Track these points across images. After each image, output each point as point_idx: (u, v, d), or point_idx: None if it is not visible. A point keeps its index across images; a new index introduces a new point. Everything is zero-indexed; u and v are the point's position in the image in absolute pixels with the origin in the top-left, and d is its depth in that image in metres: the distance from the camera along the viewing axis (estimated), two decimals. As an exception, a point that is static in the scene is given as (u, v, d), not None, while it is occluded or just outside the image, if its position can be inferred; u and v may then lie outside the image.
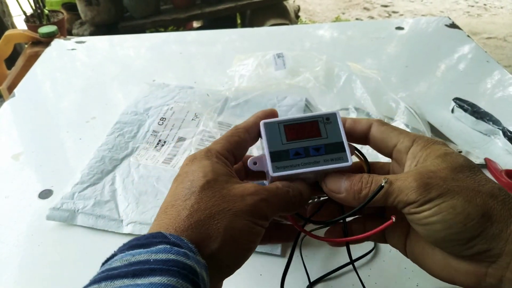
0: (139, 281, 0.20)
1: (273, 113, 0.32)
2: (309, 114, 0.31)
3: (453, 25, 0.86)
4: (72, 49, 0.82)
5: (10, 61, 1.23)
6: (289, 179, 0.30)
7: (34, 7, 1.52)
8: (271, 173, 0.29)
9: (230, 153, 0.30)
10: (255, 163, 0.31)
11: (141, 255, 0.22)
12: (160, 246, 0.22)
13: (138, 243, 0.23)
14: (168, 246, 0.22)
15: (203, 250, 0.24)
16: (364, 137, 0.31)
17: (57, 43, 0.84)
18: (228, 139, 0.30)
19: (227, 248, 0.25)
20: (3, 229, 0.45)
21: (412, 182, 0.25)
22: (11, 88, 1.11)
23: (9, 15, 1.87)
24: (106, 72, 0.74)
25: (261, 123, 0.31)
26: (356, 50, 0.79)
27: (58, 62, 0.78)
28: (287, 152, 0.30)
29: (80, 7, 1.94)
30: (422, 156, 0.27)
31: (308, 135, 0.30)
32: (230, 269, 0.26)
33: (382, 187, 0.26)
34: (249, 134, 0.31)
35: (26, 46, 1.13)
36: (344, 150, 0.29)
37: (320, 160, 0.29)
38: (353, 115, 0.59)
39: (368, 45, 0.80)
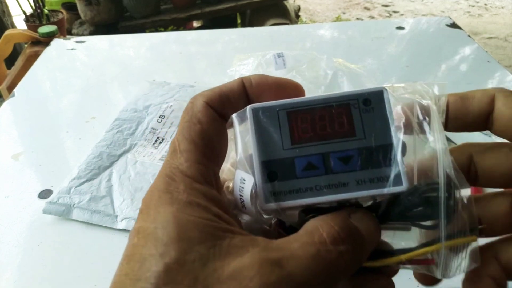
0: None
1: (288, 87, 0.20)
2: (333, 93, 0.18)
3: (453, 25, 0.86)
4: (72, 49, 0.82)
5: (10, 61, 1.22)
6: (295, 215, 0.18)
7: (33, 7, 1.52)
8: (262, 203, 0.17)
9: (206, 161, 0.18)
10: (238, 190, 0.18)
11: None
12: None
13: None
14: None
15: None
16: (483, 120, 0.19)
17: (56, 43, 0.84)
18: (188, 135, 0.18)
19: None
20: (3, 229, 0.45)
21: None
22: (10, 88, 1.11)
23: (9, 14, 1.87)
24: (106, 72, 0.74)
25: (248, 109, 0.18)
26: (356, 50, 0.79)
27: (58, 62, 0.78)
28: (291, 163, 0.17)
29: (80, 7, 1.94)
30: None
31: (331, 133, 0.18)
32: None
33: None
34: (218, 108, 0.19)
35: (25, 45, 1.13)
36: (396, 162, 0.17)
37: (350, 181, 0.17)
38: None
39: (369, 45, 0.80)
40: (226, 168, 0.20)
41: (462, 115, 0.19)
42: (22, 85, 0.71)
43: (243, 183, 0.18)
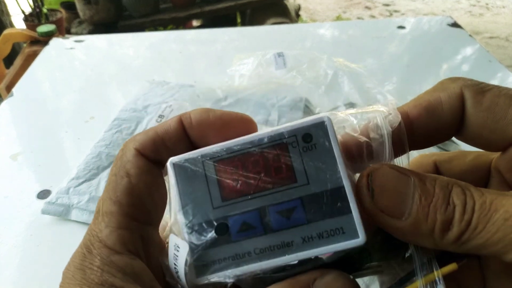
0: None
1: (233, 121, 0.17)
2: (266, 131, 0.15)
3: (455, 25, 0.85)
4: (71, 48, 0.81)
5: (9, 60, 1.22)
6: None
7: (32, 6, 1.51)
8: (193, 277, 0.14)
9: (132, 224, 0.15)
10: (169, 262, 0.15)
11: None
12: None
13: None
14: None
15: None
16: (455, 128, 0.16)
17: (55, 42, 0.84)
18: (113, 193, 0.16)
19: None
20: (2, 230, 0.45)
21: None
22: (9, 88, 1.11)
23: (8, 14, 1.87)
24: (105, 71, 0.74)
25: (169, 164, 0.16)
26: (357, 49, 0.79)
27: (57, 61, 0.78)
28: (224, 224, 0.15)
29: (79, 6, 1.94)
30: None
31: (267, 182, 0.15)
32: None
33: None
34: (152, 155, 0.16)
35: (24, 45, 1.13)
36: (349, 210, 0.14)
37: (295, 239, 0.14)
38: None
39: (370, 44, 0.80)
40: (168, 223, 0.17)
41: (433, 129, 0.16)
42: (21, 84, 0.70)
43: (177, 250, 0.15)
